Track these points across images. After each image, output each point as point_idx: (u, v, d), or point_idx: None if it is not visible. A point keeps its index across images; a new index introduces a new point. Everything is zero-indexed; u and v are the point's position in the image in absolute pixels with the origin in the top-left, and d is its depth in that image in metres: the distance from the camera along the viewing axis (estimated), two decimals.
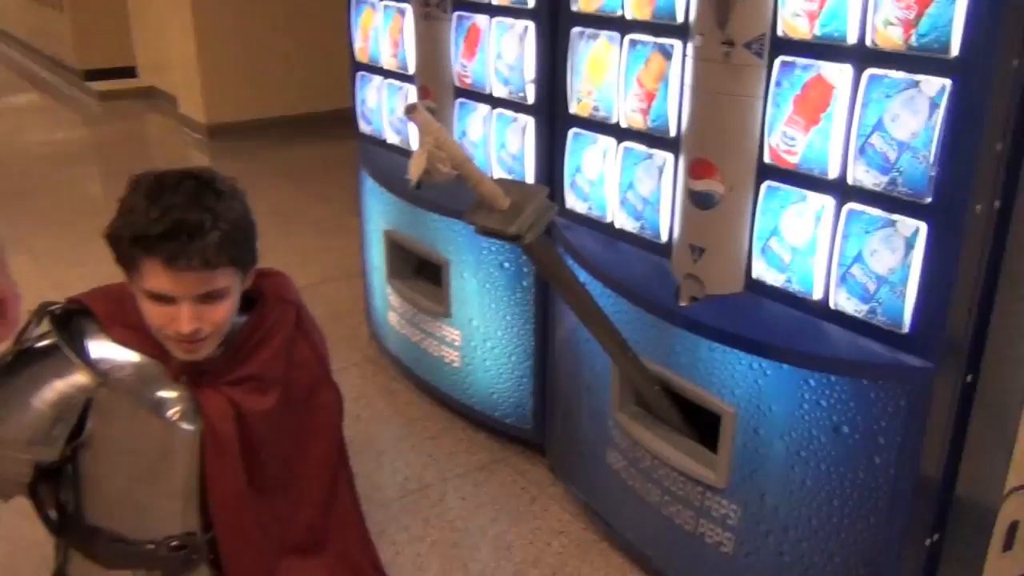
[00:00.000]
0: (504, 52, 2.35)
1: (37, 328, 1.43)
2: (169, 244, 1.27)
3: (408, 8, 2.67)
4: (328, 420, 1.65)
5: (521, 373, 2.57)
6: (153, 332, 1.37)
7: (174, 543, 1.51)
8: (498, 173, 2.46)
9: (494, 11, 2.36)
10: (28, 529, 2.32)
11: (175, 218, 1.28)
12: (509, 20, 2.32)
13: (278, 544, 1.59)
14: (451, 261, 2.63)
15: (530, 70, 2.29)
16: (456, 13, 2.50)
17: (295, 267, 4.09)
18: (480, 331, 2.62)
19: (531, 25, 2.25)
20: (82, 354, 1.38)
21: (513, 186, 1.61)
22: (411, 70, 2.73)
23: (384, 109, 2.93)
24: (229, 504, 1.49)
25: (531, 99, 2.31)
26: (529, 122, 2.33)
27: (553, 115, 2.26)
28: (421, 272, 2.90)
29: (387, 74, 2.88)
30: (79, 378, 1.37)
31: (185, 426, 1.43)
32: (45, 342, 1.40)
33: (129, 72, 7.80)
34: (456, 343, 2.71)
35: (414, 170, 1.48)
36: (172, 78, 6.85)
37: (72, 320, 1.43)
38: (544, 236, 1.62)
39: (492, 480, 2.61)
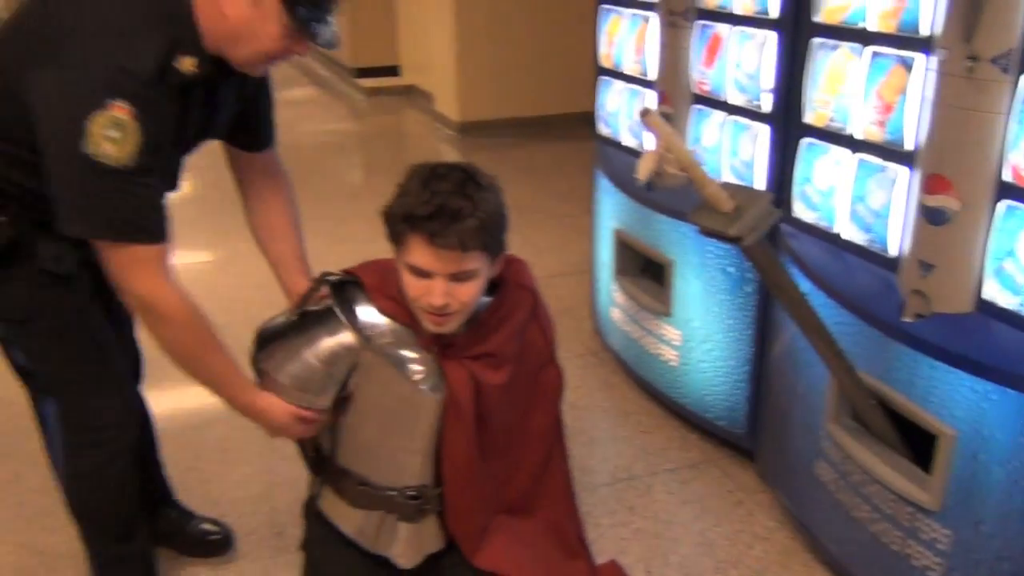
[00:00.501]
0: (743, 61, 2.40)
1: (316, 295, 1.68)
2: (433, 224, 1.46)
3: (653, 16, 2.77)
4: (550, 397, 1.79)
5: (737, 377, 2.61)
6: (409, 304, 1.57)
7: (410, 492, 1.71)
8: (729, 179, 2.51)
9: (736, 20, 2.42)
10: (285, 467, 2.68)
11: (441, 202, 1.46)
12: (751, 30, 2.36)
13: (495, 503, 1.76)
14: (675, 262, 2.71)
15: (768, 79, 2.32)
16: (699, 22, 2.57)
17: (530, 260, 4.32)
18: (699, 332, 2.68)
19: (772, 35, 2.29)
20: (351, 318, 1.61)
21: (738, 190, 1.67)
22: (651, 76, 2.83)
23: (623, 113, 3.05)
24: (460, 465, 1.67)
25: (766, 108, 2.35)
26: (763, 130, 2.37)
27: (787, 124, 2.29)
28: (646, 271, 3.00)
29: (628, 79, 3.00)
30: (347, 338, 1.59)
31: (430, 391, 1.62)
32: (322, 306, 1.65)
33: (393, 71, 8.47)
34: (675, 342, 2.78)
35: (643, 170, 1.59)
36: (431, 77, 7.36)
37: (345, 288, 1.66)
38: (765, 241, 1.67)
39: (700, 479, 2.67)
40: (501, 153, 6.22)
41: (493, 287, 1.66)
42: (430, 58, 7.22)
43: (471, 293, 1.54)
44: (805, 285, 2.09)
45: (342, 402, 1.65)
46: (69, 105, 1.44)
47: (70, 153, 1.44)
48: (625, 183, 2.93)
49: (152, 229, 1.55)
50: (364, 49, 8.49)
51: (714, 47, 2.52)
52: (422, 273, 1.51)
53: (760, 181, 2.41)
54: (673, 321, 2.77)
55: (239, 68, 1.61)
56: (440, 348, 1.62)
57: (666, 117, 2.74)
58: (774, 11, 2.27)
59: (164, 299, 1.57)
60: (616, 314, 3.13)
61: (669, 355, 2.83)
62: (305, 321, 1.66)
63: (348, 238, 4.69)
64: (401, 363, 1.62)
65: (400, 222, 1.51)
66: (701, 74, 2.59)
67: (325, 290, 1.66)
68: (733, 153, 2.50)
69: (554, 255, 4.36)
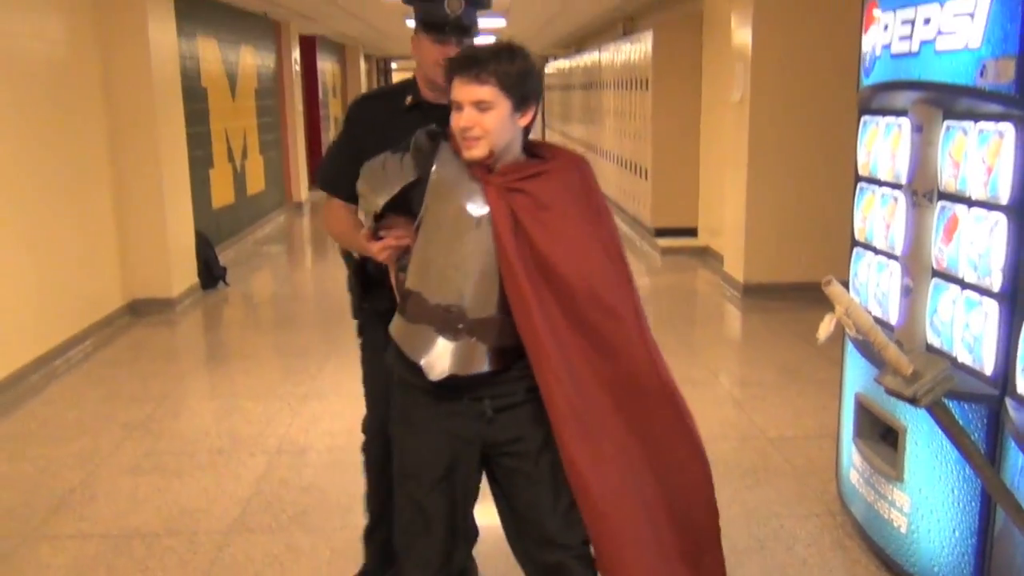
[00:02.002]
0: (976, 240, 2.52)
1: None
2: (460, 64, 2.02)
3: (900, 196, 2.96)
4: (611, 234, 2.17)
5: (963, 550, 2.58)
6: (456, 136, 2.04)
7: (449, 306, 2.06)
8: (961, 352, 2.59)
9: (971, 203, 2.56)
10: None
11: (470, 52, 2.05)
12: (983, 212, 2.49)
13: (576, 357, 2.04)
14: (908, 427, 2.77)
15: (997, 259, 2.42)
16: (940, 202, 2.73)
17: (791, 419, 4.47)
18: (928, 500, 2.70)
19: (1002, 218, 2.40)
20: (430, 153, 2.10)
21: (918, 355, 1.84)
22: (896, 251, 2.98)
23: (871, 283, 3.20)
24: (508, 272, 2.00)
25: (996, 287, 2.44)
26: (992, 307, 2.45)
27: (1015, 303, 2.36)
28: (885, 436, 3.05)
29: (877, 252, 3.17)
30: (399, 153, 2.13)
31: (471, 207, 2.04)
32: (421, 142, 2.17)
33: (690, 232, 8.94)
34: (905, 509, 2.80)
35: (822, 331, 1.82)
36: (722, 240, 7.72)
37: (438, 136, 2.14)
38: (943, 403, 1.81)
39: None
40: (781, 316, 6.35)
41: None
42: (723, 222, 7.59)
43: (492, 121, 2.00)
44: (1022, 460, 2.12)
45: (416, 231, 2.09)
46: None
47: None
48: (866, 348, 3.05)
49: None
50: (664, 211, 9.07)
51: (952, 227, 2.66)
52: (457, 106, 2.01)
53: (989, 357, 2.47)
54: (904, 487, 2.80)
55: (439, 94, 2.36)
56: (485, 177, 2.05)
57: (908, 290, 2.87)
58: (1004, 197, 2.40)
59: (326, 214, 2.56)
60: (854, 476, 3.18)
61: (899, 521, 2.84)
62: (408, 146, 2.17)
63: None
64: (453, 185, 2.06)
65: (447, 72, 2.05)
66: (940, 251, 2.72)
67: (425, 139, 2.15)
68: (965, 326, 2.58)
69: (813, 417, 4.42)
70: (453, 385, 2.08)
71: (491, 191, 2.04)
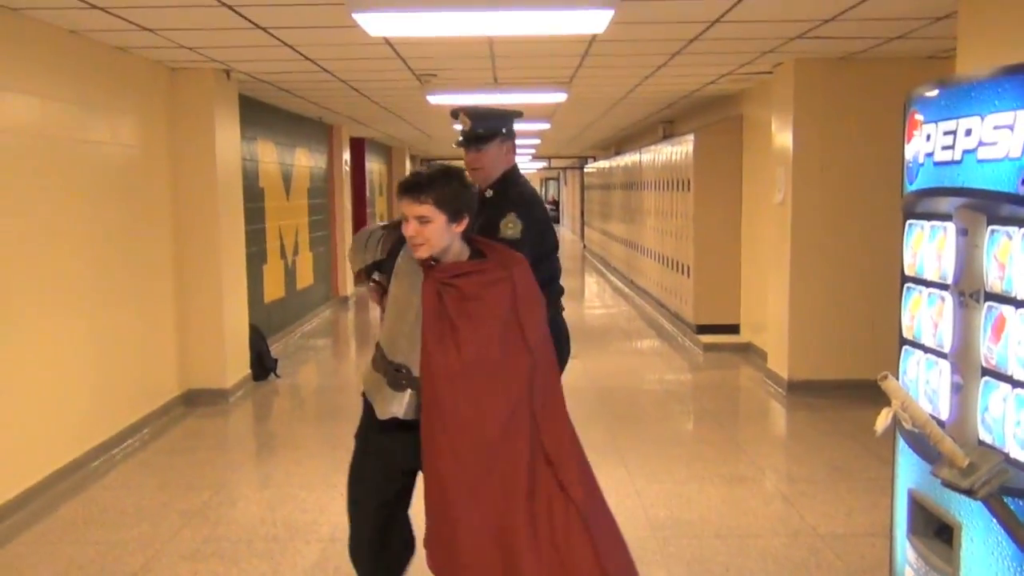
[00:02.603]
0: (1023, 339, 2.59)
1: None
2: (406, 187, 2.65)
3: (947, 295, 3.05)
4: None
5: None
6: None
7: (396, 365, 2.76)
8: (1013, 449, 2.63)
9: (1018, 304, 2.64)
10: None
11: (416, 176, 2.67)
12: None
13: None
14: (963, 524, 2.79)
15: None
16: (987, 303, 2.82)
17: (841, 517, 4.48)
18: None
19: None
20: (396, 244, 2.82)
21: (974, 449, 1.91)
22: (945, 349, 3.06)
23: (920, 380, 3.26)
24: (428, 347, 2.66)
25: None
26: None
27: None
28: (940, 533, 3.06)
29: (926, 350, 3.24)
30: (376, 231, 2.95)
31: (415, 292, 2.70)
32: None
33: (732, 329, 9.01)
34: None
35: (879, 423, 1.91)
36: (765, 336, 7.78)
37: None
38: (1000, 496, 1.87)
39: None
40: (827, 414, 6.36)
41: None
42: (766, 318, 7.67)
43: (430, 231, 2.63)
44: None
45: (385, 299, 2.87)
46: None
47: None
48: (920, 443, 3.10)
49: None
50: (706, 308, 9.17)
51: (999, 326, 2.74)
52: (405, 219, 2.66)
53: None
54: None
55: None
56: (427, 270, 2.71)
57: (958, 387, 2.93)
58: None
59: None
60: (909, 574, 3.18)
61: None
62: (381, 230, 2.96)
63: (667, 479, 5.09)
64: (408, 274, 2.74)
65: (398, 192, 2.71)
66: (989, 350, 2.80)
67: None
68: (1017, 423, 2.63)
69: (864, 515, 4.41)
70: (395, 423, 2.78)
71: (427, 283, 2.70)
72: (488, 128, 3.30)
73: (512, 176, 3.42)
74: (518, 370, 2.68)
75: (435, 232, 2.64)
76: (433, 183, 2.63)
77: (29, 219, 4.77)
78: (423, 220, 2.62)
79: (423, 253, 2.66)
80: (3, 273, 4.53)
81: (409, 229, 2.62)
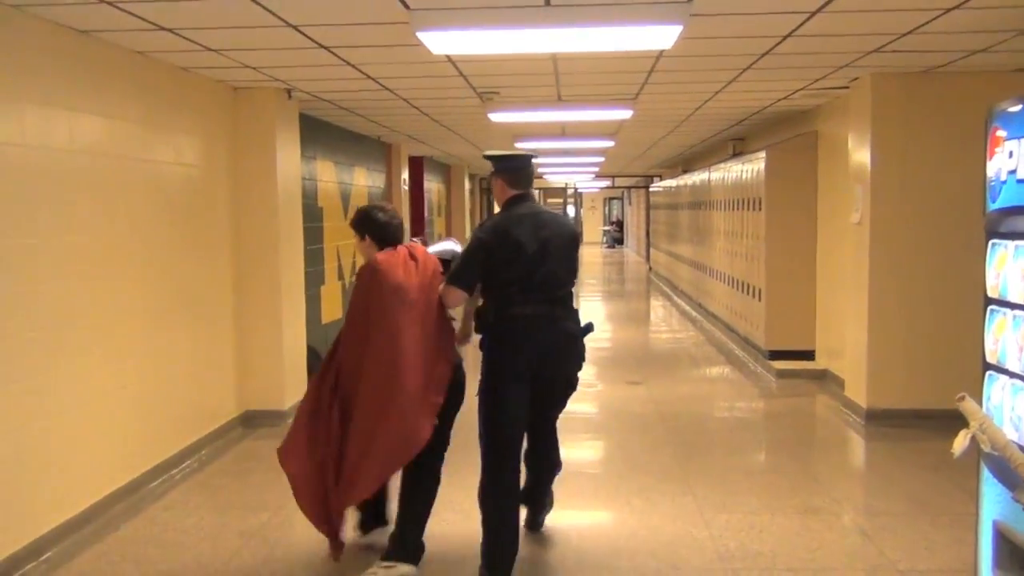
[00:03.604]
0: None
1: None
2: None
3: None
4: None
5: None
6: None
7: None
8: None
9: None
10: None
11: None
12: None
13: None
14: None
15: None
16: None
17: (923, 552, 4.44)
18: None
19: None
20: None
21: None
22: None
23: (1006, 406, 3.25)
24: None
25: None
26: None
27: None
28: None
29: (1011, 374, 3.23)
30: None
31: None
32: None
33: (807, 355, 8.93)
34: None
35: (957, 445, 1.94)
36: (842, 363, 7.71)
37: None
38: None
39: None
40: (906, 443, 6.28)
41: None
42: (844, 344, 7.60)
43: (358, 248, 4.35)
44: None
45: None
46: None
47: None
48: (1005, 471, 3.08)
49: None
50: (779, 333, 9.11)
51: None
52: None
53: None
54: None
55: None
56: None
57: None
58: None
59: None
60: None
61: None
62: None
63: (738, 509, 5.09)
64: None
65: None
66: None
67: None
68: None
69: (948, 550, 4.35)
70: None
71: None
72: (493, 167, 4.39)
73: (504, 206, 4.34)
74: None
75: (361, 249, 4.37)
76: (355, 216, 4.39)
77: (92, 238, 5.01)
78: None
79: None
80: (66, 291, 4.76)
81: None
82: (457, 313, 4.40)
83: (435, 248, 4.46)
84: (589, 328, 4.26)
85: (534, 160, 4.66)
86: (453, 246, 4.55)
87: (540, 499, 4.69)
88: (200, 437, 6.32)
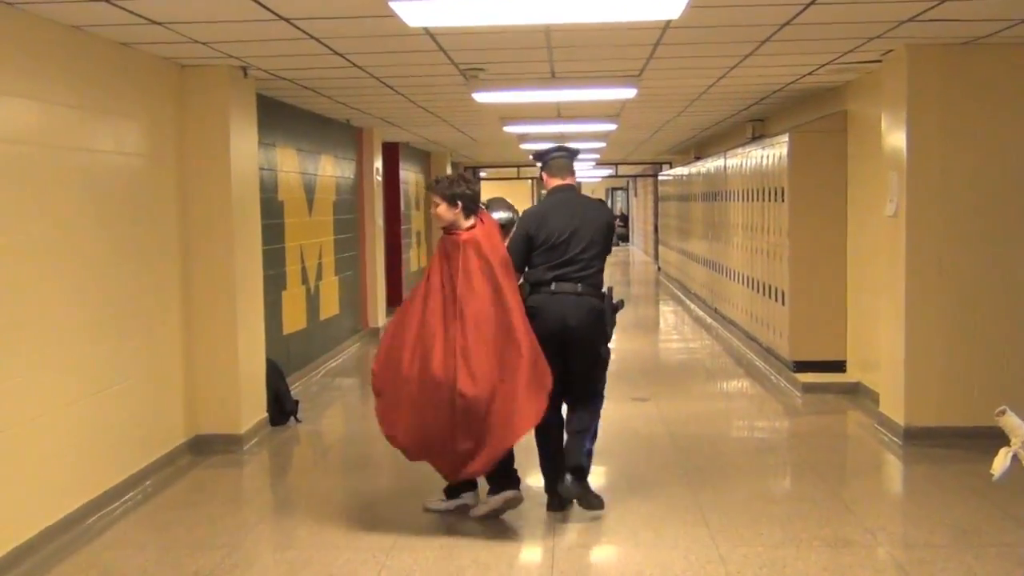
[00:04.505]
0: None
1: None
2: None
3: None
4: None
5: None
6: None
7: None
8: None
9: None
10: None
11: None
12: None
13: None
14: None
15: None
16: None
17: None
18: None
19: None
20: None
21: None
22: None
23: None
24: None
25: None
26: None
27: None
28: None
29: None
30: None
31: None
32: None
33: (837, 366, 8.98)
34: None
35: (996, 464, 1.97)
36: (877, 376, 7.76)
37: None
38: None
39: None
40: (949, 466, 6.33)
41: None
42: (878, 354, 7.65)
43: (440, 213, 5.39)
44: None
45: None
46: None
47: None
48: None
49: None
50: (805, 342, 9.15)
51: None
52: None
53: None
54: None
55: None
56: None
57: None
58: None
59: None
60: None
61: None
62: None
63: (754, 541, 5.11)
64: None
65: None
66: None
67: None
68: None
69: None
70: None
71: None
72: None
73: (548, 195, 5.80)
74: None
75: (443, 212, 5.37)
76: (440, 183, 5.43)
77: (18, 237, 5.00)
78: (436, 204, 5.37)
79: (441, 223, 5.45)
80: None
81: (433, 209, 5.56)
82: None
83: (496, 215, 5.66)
84: (620, 305, 5.63)
85: (576, 153, 5.91)
86: (510, 213, 5.85)
87: (574, 459, 5.47)
88: (144, 466, 6.32)
